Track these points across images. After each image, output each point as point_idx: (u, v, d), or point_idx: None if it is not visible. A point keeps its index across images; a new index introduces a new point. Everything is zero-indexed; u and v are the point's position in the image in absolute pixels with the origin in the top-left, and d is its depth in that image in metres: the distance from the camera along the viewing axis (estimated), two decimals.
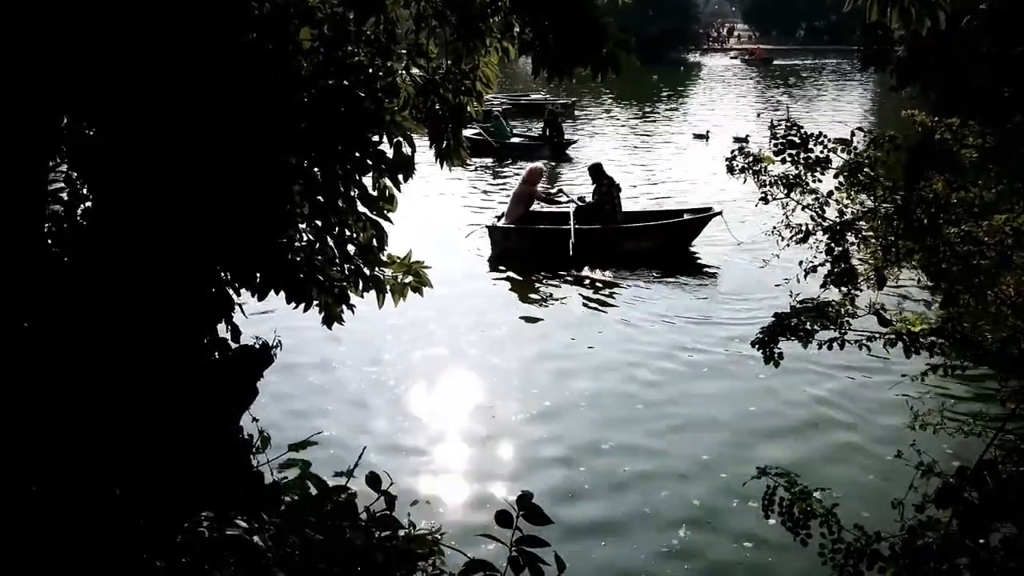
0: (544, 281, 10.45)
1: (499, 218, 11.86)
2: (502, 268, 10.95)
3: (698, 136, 21.87)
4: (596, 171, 11.77)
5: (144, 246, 3.38)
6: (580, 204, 11.89)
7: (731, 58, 56.46)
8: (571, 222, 11.10)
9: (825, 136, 3.99)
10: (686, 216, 11.72)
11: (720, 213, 11.34)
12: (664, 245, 11.27)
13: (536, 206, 11.98)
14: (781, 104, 30.00)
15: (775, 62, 51.72)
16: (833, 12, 62.53)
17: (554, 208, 12.04)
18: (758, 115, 26.55)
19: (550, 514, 2.11)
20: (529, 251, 11.18)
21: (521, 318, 9.30)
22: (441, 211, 13.69)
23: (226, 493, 3.24)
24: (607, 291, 10.15)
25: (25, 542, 2.36)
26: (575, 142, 20.67)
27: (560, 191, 12.85)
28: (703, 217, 11.56)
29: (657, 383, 7.45)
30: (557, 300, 9.85)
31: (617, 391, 7.27)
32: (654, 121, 26.71)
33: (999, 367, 3.99)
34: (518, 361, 7.99)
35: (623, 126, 25.54)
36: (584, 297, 9.95)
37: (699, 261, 11.32)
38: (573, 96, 28.88)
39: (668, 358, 8.01)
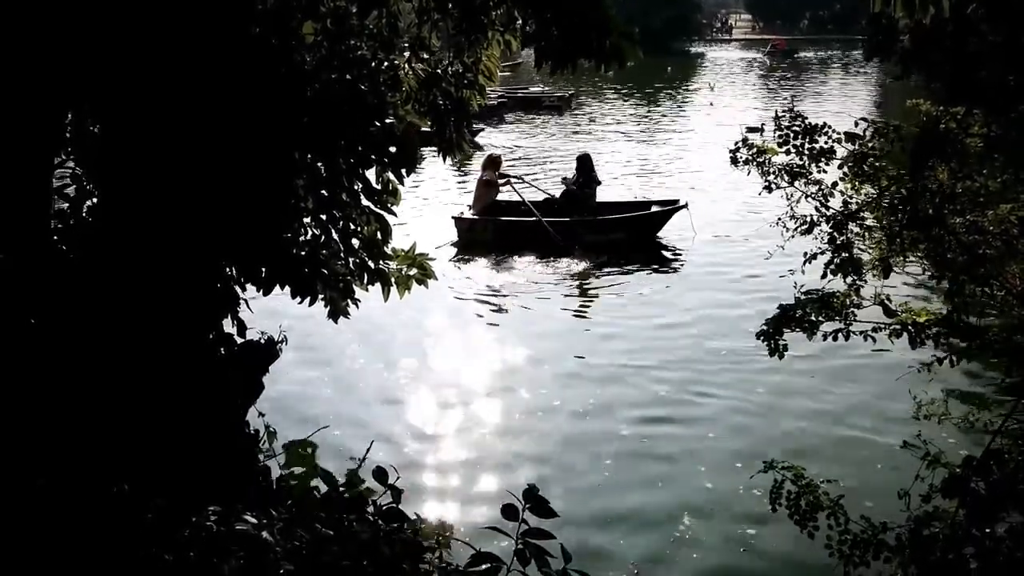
0: (523, 276, 10.47)
1: (470, 207, 11.94)
2: (478, 262, 10.96)
3: (752, 129, 21.37)
4: (584, 162, 11.78)
5: (150, 242, 3.39)
6: (558, 194, 11.91)
7: (756, 52, 54.35)
8: (538, 214, 11.18)
9: (830, 127, 3.98)
10: (654, 208, 11.92)
11: (686, 206, 11.54)
12: (632, 237, 11.42)
13: (502, 192, 12.07)
14: (790, 94, 29.78)
15: (800, 53, 50.72)
16: (837, 1, 62.11)
17: (516, 196, 12.01)
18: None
19: (556, 507, 2.12)
20: (494, 242, 11.26)
21: (512, 318, 9.30)
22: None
23: (234, 487, 3.25)
24: (586, 284, 10.19)
25: (33, 535, 2.37)
26: (482, 130, 20.64)
27: (520, 179, 12.79)
28: (670, 209, 11.76)
29: (652, 378, 7.43)
30: (541, 296, 9.81)
31: (614, 387, 7.26)
32: (696, 117, 25.93)
33: (1005, 357, 3.98)
34: (524, 357, 8.00)
35: (675, 126, 24.30)
36: (565, 290, 9.97)
37: (673, 252, 11.41)
38: (570, 89, 28.78)
39: (659, 351, 8.00)
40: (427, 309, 8.64)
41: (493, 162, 12.10)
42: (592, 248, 11.06)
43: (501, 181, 12.03)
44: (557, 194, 12.03)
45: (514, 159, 17.78)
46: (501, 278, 10.37)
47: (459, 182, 15.71)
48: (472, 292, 9.88)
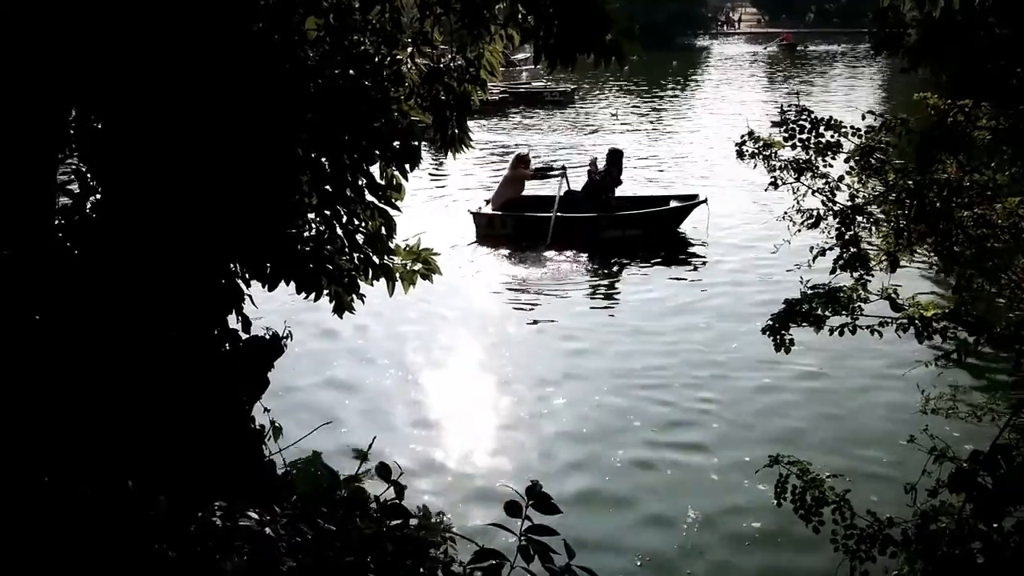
0: (537, 271, 10.43)
1: (487, 202, 11.90)
2: (494, 257, 10.93)
3: (776, 124, 20.93)
4: (615, 156, 11.74)
5: (154, 238, 3.39)
6: (576, 191, 11.85)
7: (763, 46, 53.64)
8: (554, 208, 11.11)
9: (837, 120, 3.96)
10: (673, 203, 11.79)
11: (705, 201, 11.40)
12: (651, 232, 11.33)
13: (528, 188, 12.00)
14: (797, 88, 29.59)
15: (809, 47, 50.42)
16: None
17: (545, 189, 11.92)
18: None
19: (560, 503, 2.11)
20: (513, 238, 11.20)
21: (525, 313, 9.30)
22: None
23: (238, 483, 3.26)
24: (600, 280, 10.16)
25: (36, 533, 2.38)
26: None
27: (550, 167, 12.72)
28: (690, 205, 11.62)
29: (663, 372, 7.43)
30: (555, 292, 9.80)
31: (624, 382, 7.25)
32: (702, 111, 25.54)
33: (1013, 351, 3.95)
34: (527, 353, 7.99)
35: (681, 120, 23.73)
36: (580, 286, 9.94)
37: (687, 247, 11.34)
38: (578, 83, 28.66)
39: (672, 346, 7.99)
40: (436, 305, 8.64)
41: (522, 160, 12.08)
42: (609, 244, 10.99)
43: (532, 176, 11.94)
44: (577, 185, 11.96)
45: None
46: (515, 274, 10.33)
47: (450, 177, 15.68)
48: (483, 288, 9.87)
